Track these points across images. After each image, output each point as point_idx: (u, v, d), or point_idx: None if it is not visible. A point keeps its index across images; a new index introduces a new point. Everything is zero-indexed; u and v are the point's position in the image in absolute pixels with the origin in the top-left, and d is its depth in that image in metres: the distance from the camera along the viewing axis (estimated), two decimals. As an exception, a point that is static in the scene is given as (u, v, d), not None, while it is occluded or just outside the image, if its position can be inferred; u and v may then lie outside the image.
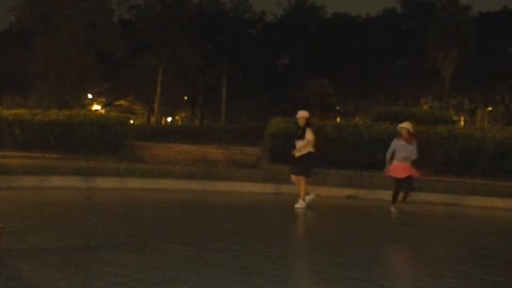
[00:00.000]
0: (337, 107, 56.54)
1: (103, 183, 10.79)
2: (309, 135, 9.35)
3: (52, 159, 15.05)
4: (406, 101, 48.68)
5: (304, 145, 9.33)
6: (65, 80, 38.30)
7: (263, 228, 7.47)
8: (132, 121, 27.86)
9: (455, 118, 33.32)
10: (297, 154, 9.35)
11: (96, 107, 48.38)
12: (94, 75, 40.28)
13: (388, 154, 9.60)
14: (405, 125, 9.73)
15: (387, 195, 11.39)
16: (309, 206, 9.32)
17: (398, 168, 9.40)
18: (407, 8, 52.96)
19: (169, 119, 61.45)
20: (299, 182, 9.38)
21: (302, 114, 9.58)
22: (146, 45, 43.86)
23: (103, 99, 50.61)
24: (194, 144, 19.38)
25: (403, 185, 9.44)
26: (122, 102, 52.25)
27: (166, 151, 18.33)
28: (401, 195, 9.50)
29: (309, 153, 9.30)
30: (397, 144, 9.58)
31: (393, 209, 9.35)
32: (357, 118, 51.25)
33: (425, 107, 47.46)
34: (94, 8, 39.29)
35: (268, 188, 11.46)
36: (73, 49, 38.19)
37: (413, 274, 5.04)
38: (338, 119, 51.23)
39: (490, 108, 53.61)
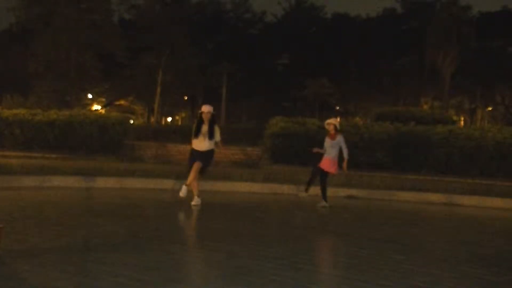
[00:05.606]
0: (337, 107, 56.51)
1: (103, 183, 10.79)
2: None
3: (52, 159, 15.05)
4: (406, 101, 48.66)
5: None
6: (65, 80, 38.25)
7: (263, 228, 7.47)
8: (132, 121, 27.84)
9: (455, 118, 33.28)
10: None
11: (96, 107, 48.32)
12: (94, 75, 40.23)
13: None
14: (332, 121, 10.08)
15: (387, 195, 11.43)
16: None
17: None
18: (407, 8, 52.96)
19: (169, 119, 61.43)
20: None
21: None
22: (146, 45, 43.81)
23: (103, 99, 50.56)
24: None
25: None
26: (122, 102, 52.20)
27: (166, 151, 18.33)
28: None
29: None
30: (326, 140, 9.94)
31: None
32: (357, 118, 51.22)
33: (425, 107, 47.46)
34: (94, 8, 39.25)
35: (268, 188, 11.46)
36: (73, 49, 38.14)
37: (413, 274, 5.04)
38: (338, 119, 51.20)
39: (490, 108, 53.59)
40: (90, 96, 47.04)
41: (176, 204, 9.21)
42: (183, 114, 63.55)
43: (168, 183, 11.14)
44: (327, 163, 9.75)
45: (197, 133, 8.96)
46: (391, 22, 51.88)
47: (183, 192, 8.83)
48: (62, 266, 4.64)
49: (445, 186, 12.37)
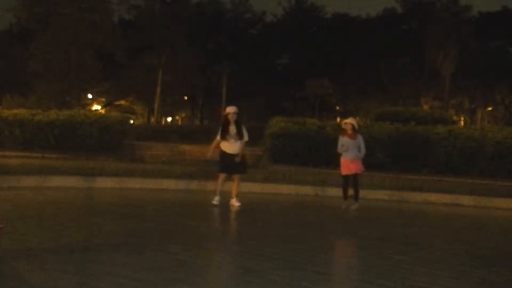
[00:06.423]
0: (337, 107, 56.51)
1: (103, 183, 10.78)
2: None
3: (52, 159, 15.04)
4: (406, 101, 48.65)
5: None
6: (65, 80, 38.27)
7: (263, 228, 7.46)
8: (132, 121, 27.84)
9: (455, 118, 33.29)
10: None
11: (96, 107, 48.33)
12: (94, 75, 40.24)
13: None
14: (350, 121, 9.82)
15: (387, 195, 11.43)
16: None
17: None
18: (407, 8, 52.96)
19: (169, 119, 61.44)
20: None
21: None
22: (146, 45, 43.83)
23: (103, 99, 50.57)
24: (194, 144, 19.37)
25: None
26: (122, 102, 52.21)
27: (166, 151, 18.34)
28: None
29: None
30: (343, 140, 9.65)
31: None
32: (357, 118, 51.19)
33: (425, 107, 47.45)
34: (94, 8, 39.26)
35: (268, 188, 11.46)
36: (73, 49, 38.16)
37: (413, 274, 5.04)
38: (338, 119, 51.24)
39: (490, 108, 53.60)
40: (90, 96, 47.06)
41: (176, 204, 9.21)
42: (183, 114, 63.56)
43: (168, 183, 11.14)
44: (351, 165, 9.55)
45: (224, 135, 8.91)
46: (391, 22, 51.89)
47: (216, 200, 8.97)
48: (62, 266, 4.64)
49: (445, 186, 12.36)
